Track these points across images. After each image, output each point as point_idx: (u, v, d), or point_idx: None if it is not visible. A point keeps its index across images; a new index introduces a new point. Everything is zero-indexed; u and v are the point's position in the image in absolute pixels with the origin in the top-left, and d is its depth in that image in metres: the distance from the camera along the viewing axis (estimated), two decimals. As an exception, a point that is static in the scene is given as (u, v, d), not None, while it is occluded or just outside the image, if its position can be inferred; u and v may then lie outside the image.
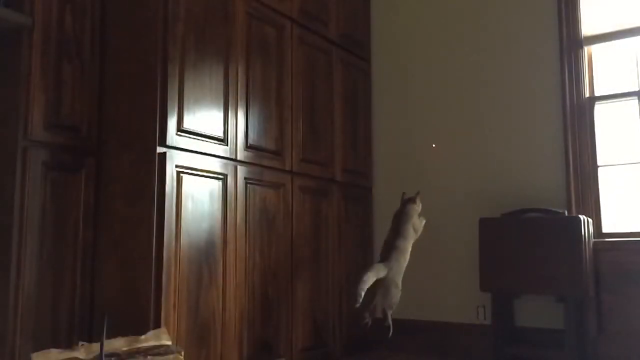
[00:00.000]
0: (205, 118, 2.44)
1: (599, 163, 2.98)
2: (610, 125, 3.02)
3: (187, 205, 2.30)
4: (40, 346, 2.07)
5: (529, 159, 3.12)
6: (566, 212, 2.89)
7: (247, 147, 2.65)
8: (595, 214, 2.93)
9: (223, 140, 2.52)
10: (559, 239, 2.67)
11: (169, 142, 2.26)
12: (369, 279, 2.42)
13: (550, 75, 3.10)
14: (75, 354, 1.77)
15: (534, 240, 2.72)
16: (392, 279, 2.52)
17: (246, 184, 2.62)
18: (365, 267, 2.66)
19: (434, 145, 3.38)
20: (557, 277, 2.64)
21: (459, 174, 3.32)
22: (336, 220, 3.21)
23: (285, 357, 2.74)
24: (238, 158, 2.59)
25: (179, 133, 2.31)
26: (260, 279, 2.65)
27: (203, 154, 2.42)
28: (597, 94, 3.06)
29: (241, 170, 2.60)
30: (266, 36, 2.84)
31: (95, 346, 1.81)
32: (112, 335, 1.89)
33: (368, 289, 2.41)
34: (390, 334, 2.54)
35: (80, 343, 1.83)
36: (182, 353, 1.91)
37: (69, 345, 2.05)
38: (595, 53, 3.10)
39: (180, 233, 2.26)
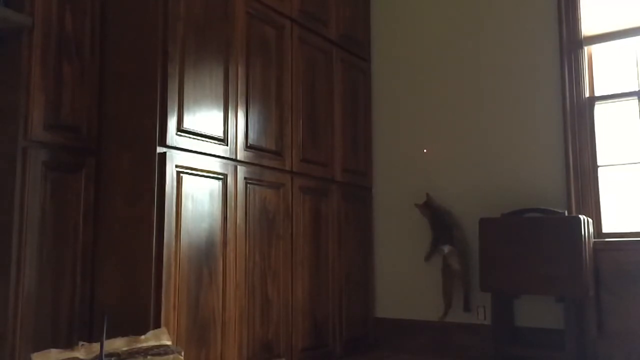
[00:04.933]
0: (205, 118, 2.44)
1: (599, 163, 2.98)
2: (610, 125, 3.02)
3: (187, 205, 2.30)
4: (40, 346, 2.08)
5: (529, 159, 3.12)
6: (566, 212, 2.89)
7: (247, 147, 2.65)
8: (595, 214, 2.93)
9: (223, 140, 2.52)
10: (559, 239, 2.67)
11: (169, 142, 2.26)
12: None
13: (550, 75, 3.10)
14: (75, 354, 1.77)
15: (534, 240, 2.72)
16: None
17: (246, 184, 2.62)
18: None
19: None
20: (557, 277, 2.63)
21: (459, 174, 3.31)
22: (336, 220, 3.21)
23: (285, 357, 2.74)
24: (238, 158, 2.59)
25: (179, 133, 2.31)
26: (260, 279, 2.65)
27: (203, 154, 2.42)
28: (597, 94, 3.06)
29: (241, 170, 2.60)
30: (266, 36, 2.84)
31: (95, 346, 1.81)
32: (112, 335, 1.90)
33: None
34: None
35: (80, 343, 1.83)
36: (182, 353, 1.91)
37: (69, 345, 2.05)
38: (595, 53, 3.10)
39: (180, 233, 2.26)
